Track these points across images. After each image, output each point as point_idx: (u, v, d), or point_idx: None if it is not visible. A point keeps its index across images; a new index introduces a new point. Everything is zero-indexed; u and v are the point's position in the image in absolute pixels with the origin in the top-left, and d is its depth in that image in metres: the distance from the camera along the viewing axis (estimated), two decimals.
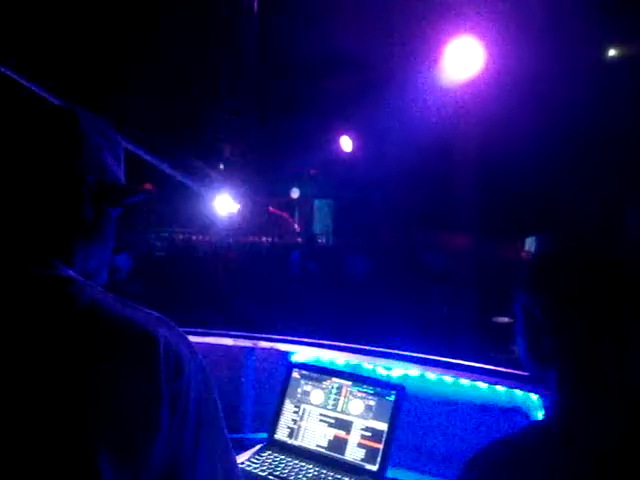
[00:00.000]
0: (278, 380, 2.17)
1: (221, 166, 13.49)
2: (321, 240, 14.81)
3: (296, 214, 17.25)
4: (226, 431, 1.02)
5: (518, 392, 1.79)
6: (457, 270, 9.94)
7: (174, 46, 6.73)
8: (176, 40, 6.61)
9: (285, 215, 15.24)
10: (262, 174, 13.09)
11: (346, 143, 7.99)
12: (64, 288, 0.91)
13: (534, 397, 1.76)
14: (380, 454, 1.75)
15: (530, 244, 13.11)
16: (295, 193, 15.43)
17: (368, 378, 1.91)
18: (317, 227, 16.26)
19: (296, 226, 16.35)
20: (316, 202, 16.81)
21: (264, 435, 2.04)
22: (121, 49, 6.57)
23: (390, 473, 1.76)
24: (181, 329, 0.98)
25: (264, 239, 15.26)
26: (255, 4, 5.67)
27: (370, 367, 2.03)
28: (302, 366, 2.04)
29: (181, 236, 14.78)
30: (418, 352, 2.00)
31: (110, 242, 1.11)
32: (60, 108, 1.03)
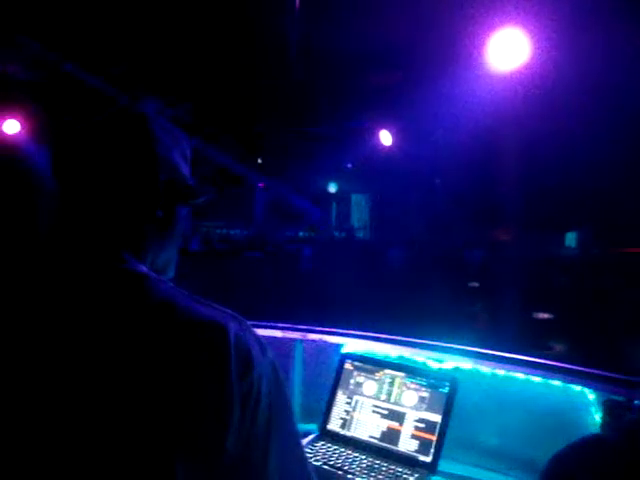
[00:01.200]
0: (326, 371, 2.18)
1: (259, 160, 13.58)
2: (358, 235, 14.84)
3: (333, 208, 17.27)
4: (297, 426, 1.01)
5: (574, 387, 1.77)
6: (496, 265, 9.86)
7: (219, 44, 6.79)
8: (219, 40, 6.67)
9: None
10: (300, 169, 13.13)
11: (385, 137, 7.93)
12: (139, 283, 0.93)
13: (589, 393, 1.74)
14: (433, 445, 1.75)
15: (570, 240, 12.88)
16: (332, 188, 15.44)
17: (421, 370, 1.91)
18: (354, 222, 16.26)
19: None
20: (353, 197, 16.81)
21: (313, 426, 2.05)
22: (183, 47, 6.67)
23: (440, 465, 1.76)
24: None
25: (301, 234, 15.34)
26: (297, 1, 5.66)
27: (421, 359, 2.02)
28: (355, 357, 2.05)
29: (218, 231, 14.93)
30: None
31: (178, 240, 1.12)
32: (131, 109, 1.06)
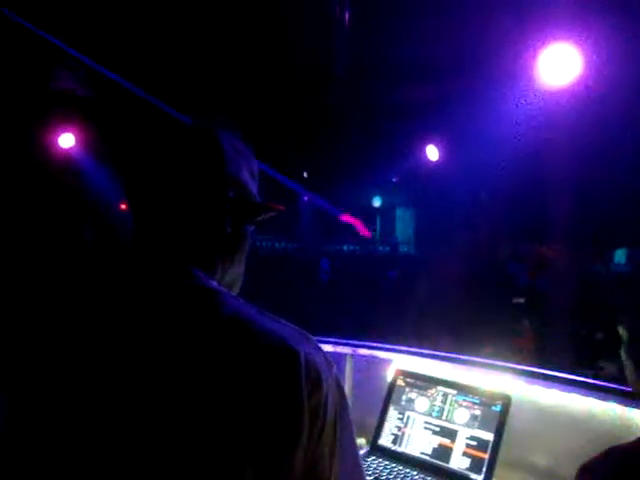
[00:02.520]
0: (376, 387, 2.19)
1: (305, 174, 13.67)
2: (402, 249, 14.77)
3: (378, 222, 17.25)
4: (356, 442, 1.04)
5: (630, 410, 1.74)
6: (543, 281, 9.67)
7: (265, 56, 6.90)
8: (266, 56, 6.78)
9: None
10: (345, 182, 13.15)
11: (432, 152, 7.91)
12: (210, 298, 0.95)
13: None
14: (486, 464, 1.74)
15: (620, 257, 12.58)
16: (377, 201, 15.43)
17: (474, 387, 1.91)
18: (399, 236, 16.19)
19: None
20: (398, 211, 16.77)
21: (362, 441, 2.07)
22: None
23: None
24: None
25: (345, 247, 15.34)
26: (346, 15, 5.73)
27: (472, 377, 2.02)
28: (407, 374, 2.06)
29: (264, 243, 14.99)
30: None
31: (245, 254, 1.14)
32: (200, 127, 1.08)
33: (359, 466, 1.04)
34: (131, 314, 0.93)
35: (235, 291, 1.14)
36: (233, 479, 0.83)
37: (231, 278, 1.11)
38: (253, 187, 1.12)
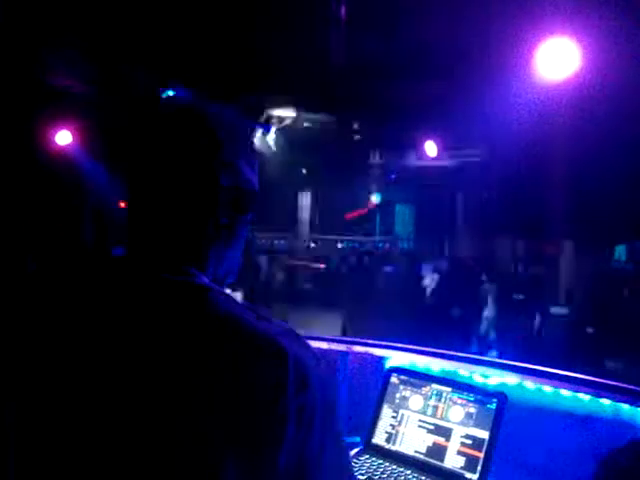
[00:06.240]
0: (371, 384, 2.17)
1: (304, 171, 13.66)
2: (402, 245, 14.76)
3: (377, 219, 17.24)
4: (344, 438, 1.02)
5: (625, 406, 1.72)
6: (545, 279, 9.68)
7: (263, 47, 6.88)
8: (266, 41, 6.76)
9: None
10: (344, 178, 13.15)
11: (431, 148, 7.90)
12: (200, 296, 0.93)
13: None
14: (481, 463, 1.72)
15: (621, 253, 12.61)
16: (376, 198, 15.41)
17: (469, 385, 1.88)
18: (398, 232, 16.19)
19: None
20: (397, 207, 16.76)
21: (357, 439, 2.04)
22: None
23: None
24: None
25: (339, 245, 15.35)
26: (342, 10, 5.70)
27: (466, 374, 2.00)
28: (401, 371, 2.03)
29: (263, 240, 14.96)
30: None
31: (241, 245, 1.11)
32: (193, 108, 1.04)
33: (349, 466, 1.03)
34: (120, 312, 0.92)
35: (231, 280, 1.12)
36: (215, 474, 0.82)
37: (225, 270, 1.09)
38: (251, 174, 1.08)
